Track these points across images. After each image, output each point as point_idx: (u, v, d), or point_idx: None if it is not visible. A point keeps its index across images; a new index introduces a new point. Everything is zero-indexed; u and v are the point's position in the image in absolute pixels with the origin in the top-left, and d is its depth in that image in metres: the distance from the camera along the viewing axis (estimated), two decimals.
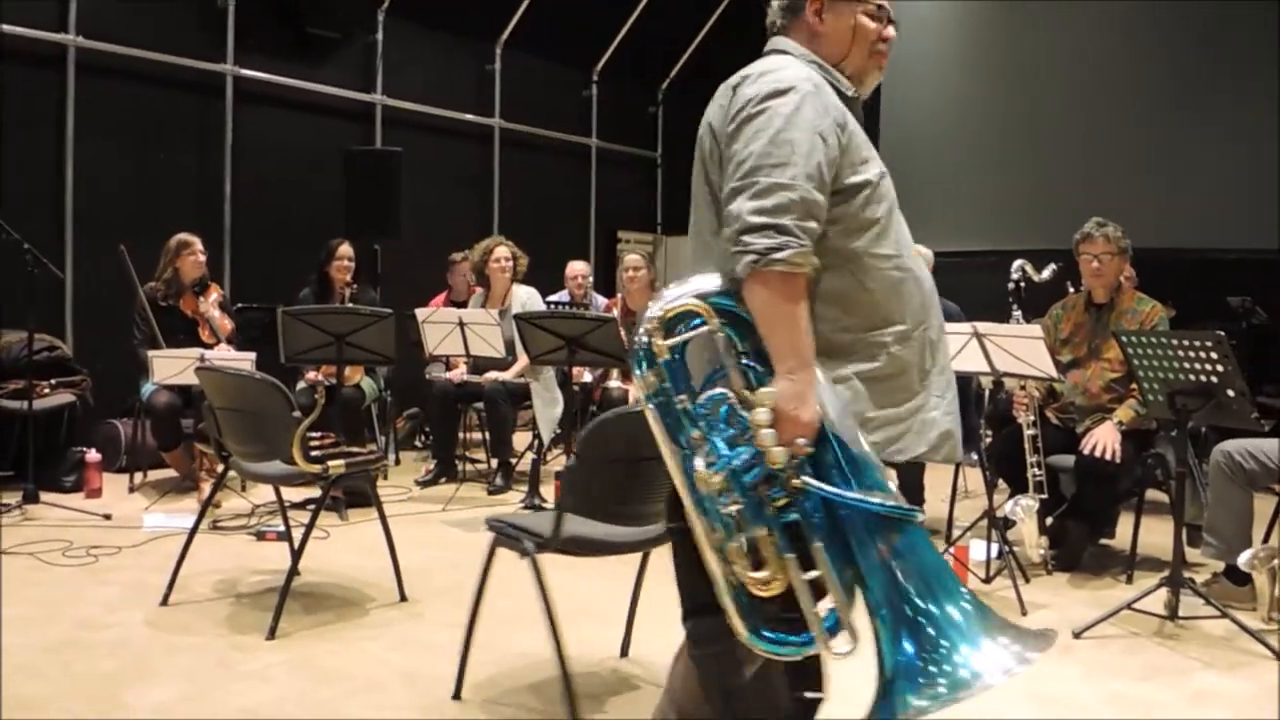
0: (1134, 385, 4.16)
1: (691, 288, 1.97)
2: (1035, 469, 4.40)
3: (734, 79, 2.11)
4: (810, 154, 1.95)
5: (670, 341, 1.95)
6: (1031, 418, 4.42)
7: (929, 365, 2.13)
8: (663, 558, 2.83)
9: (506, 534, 2.98)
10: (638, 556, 3.39)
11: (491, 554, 3.10)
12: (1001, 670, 1.75)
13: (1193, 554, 4.34)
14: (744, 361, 1.95)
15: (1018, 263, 4.53)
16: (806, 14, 2.16)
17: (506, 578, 4.41)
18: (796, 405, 1.89)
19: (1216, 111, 7.74)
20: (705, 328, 1.95)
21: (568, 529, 2.89)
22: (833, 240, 2.02)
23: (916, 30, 9.21)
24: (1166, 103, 8.00)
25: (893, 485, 1.90)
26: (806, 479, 1.88)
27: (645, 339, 1.95)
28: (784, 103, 1.98)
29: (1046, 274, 4.56)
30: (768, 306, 1.91)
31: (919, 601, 1.81)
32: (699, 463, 1.91)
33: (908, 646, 1.78)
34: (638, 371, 1.97)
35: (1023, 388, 4.45)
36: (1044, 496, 4.40)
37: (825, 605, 1.89)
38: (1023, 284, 4.51)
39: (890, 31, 2.18)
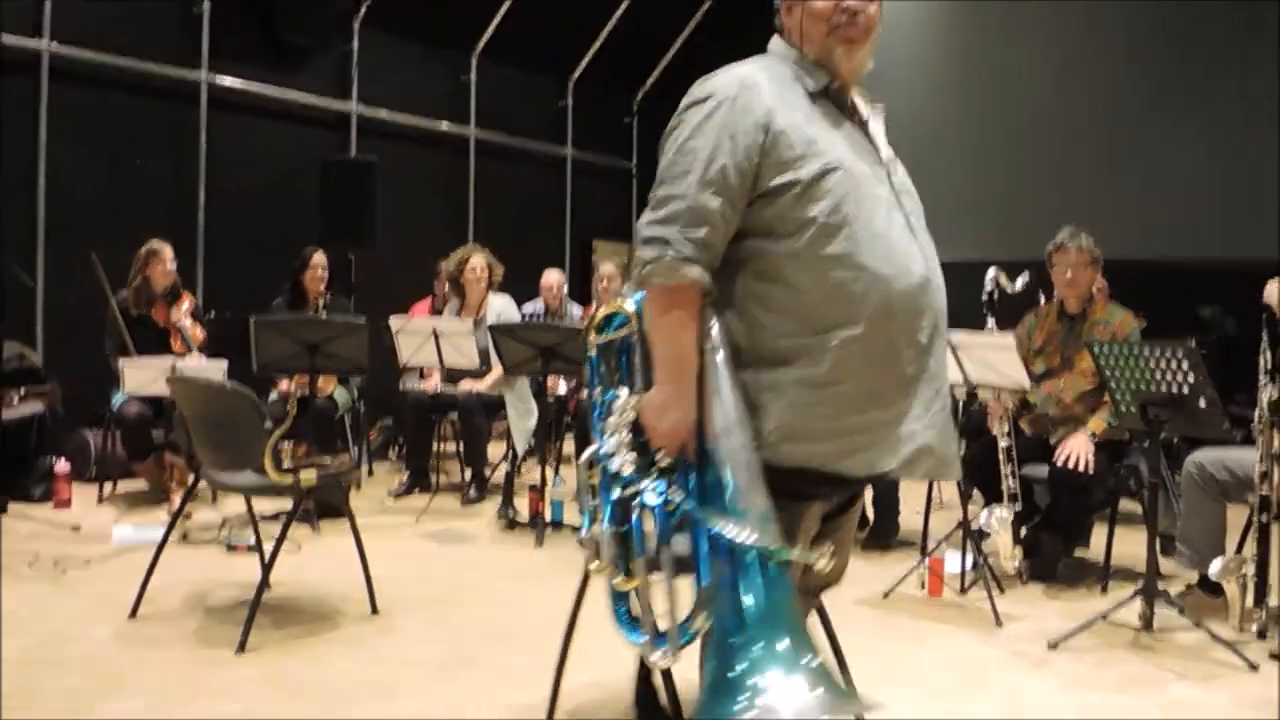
0: (1106, 396, 4.17)
1: (632, 293, 2.03)
2: (1010, 480, 4.40)
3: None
4: (712, 160, 1.96)
5: (595, 339, 2.07)
6: (1006, 428, 4.43)
7: (911, 371, 2.02)
8: None
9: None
10: None
11: (587, 576, 2.88)
12: (796, 708, 1.68)
13: (1167, 564, 4.35)
14: (646, 372, 2.01)
15: (991, 272, 4.54)
16: (783, 13, 2.17)
17: (473, 589, 4.39)
18: (656, 417, 1.95)
19: (1188, 121, 7.80)
20: (625, 331, 2.04)
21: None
22: (761, 243, 2.00)
23: (885, 36, 9.25)
24: (1138, 112, 8.05)
25: (753, 514, 1.85)
26: (665, 490, 1.93)
27: (587, 335, 2.11)
28: (697, 111, 2.02)
29: (1020, 284, 4.57)
30: (649, 316, 1.98)
31: (738, 630, 1.80)
32: (585, 454, 2.03)
33: (720, 665, 1.78)
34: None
35: (997, 398, 4.45)
36: (1018, 508, 4.40)
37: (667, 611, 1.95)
38: (996, 294, 4.52)
39: (851, 3, 2.09)
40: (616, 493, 2.01)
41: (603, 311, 2.13)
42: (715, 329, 1.99)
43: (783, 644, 1.74)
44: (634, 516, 1.99)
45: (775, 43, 2.18)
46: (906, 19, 9.28)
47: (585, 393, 6.08)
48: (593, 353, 2.07)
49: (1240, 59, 7.56)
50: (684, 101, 2.06)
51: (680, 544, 1.93)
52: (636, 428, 1.99)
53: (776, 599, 1.81)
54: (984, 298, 4.54)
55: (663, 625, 1.93)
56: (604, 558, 2.04)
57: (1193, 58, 7.82)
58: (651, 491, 1.95)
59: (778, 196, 1.98)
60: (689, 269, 1.94)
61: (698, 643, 1.88)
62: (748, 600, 1.81)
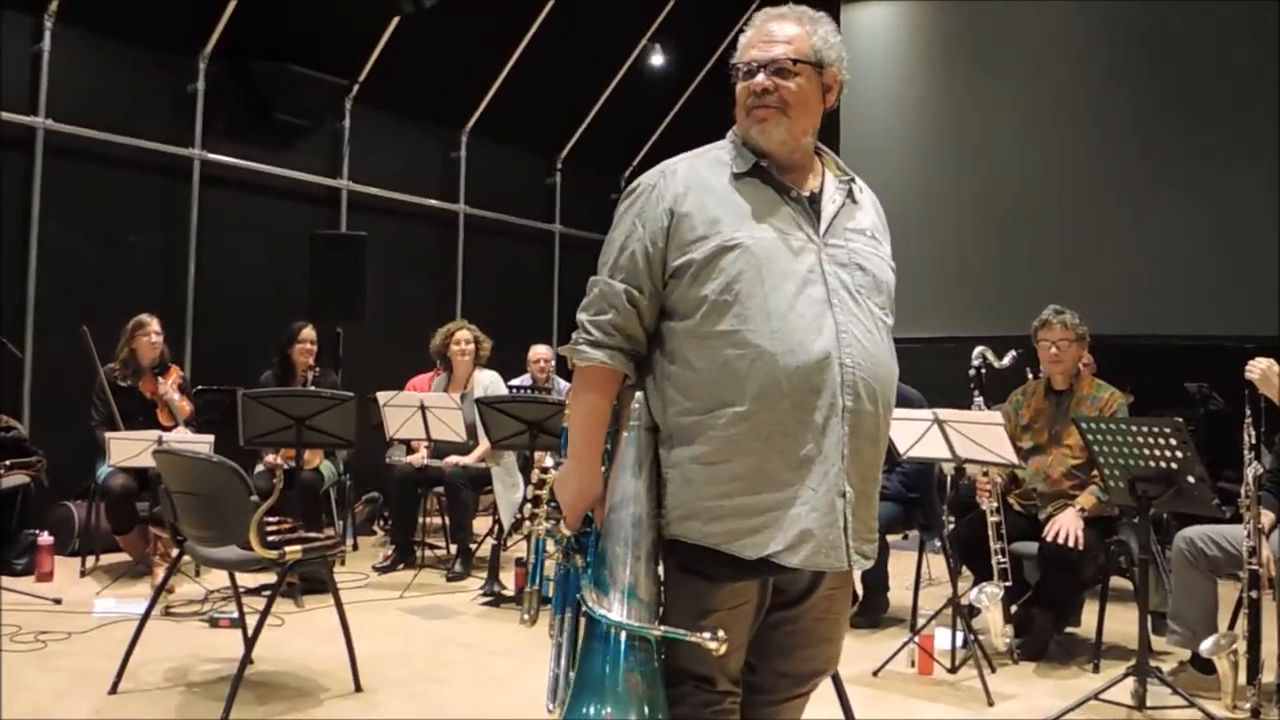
0: (1094, 471, 4.18)
1: None
2: (1000, 556, 4.39)
3: None
4: (624, 247, 2.08)
5: (567, 413, 2.17)
6: (995, 504, 4.42)
7: (806, 452, 1.96)
8: None
9: None
10: None
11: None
12: None
13: (1159, 642, 4.33)
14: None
15: (979, 349, 4.57)
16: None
17: (458, 666, 4.34)
18: (558, 488, 2.08)
19: (1173, 200, 7.93)
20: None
21: None
22: (668, 324, 2.07)
23: (872, 111, 9.42)
24: (1124, 191, 8.19)
25: (617, 587, 1.96)
26: (567, 556, 2.09)
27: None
28: (622, 203, 2.15)
29: (1007, 360, 4.60)
30: (570, 396, 2.15)
31: (578, 692, 1.94)
32: (526, 510, 2.16)
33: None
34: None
35: (985, 474, 4.46)
36: (1008, 584, 4.38)
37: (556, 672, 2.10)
38: (984, 370, 4.55)
39: (757, 80, 2.10)
40: (543, 554, 2.16)
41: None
42: (639, 406, 2.07)
43: (618, 709, 1.88)
44: (557, 576, 2.13)
45: (732, 129, 2.21)
46: (894, 95, 9.46)
47: None
48: (564, 424, 2.17)
49: (1225, 138, 7.71)
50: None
51: None
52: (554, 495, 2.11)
53: (621, 674, 1.90)
54: (971, 374, 4.57)
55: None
56: (525, 613, 2.20)
57: (1179, 138, 7.97)
58: (560, 555, 2.10)
59: (680, 277, 2.03)
60: (593, 352, 2.05)
61: None
62: (590, 666, 1.93)
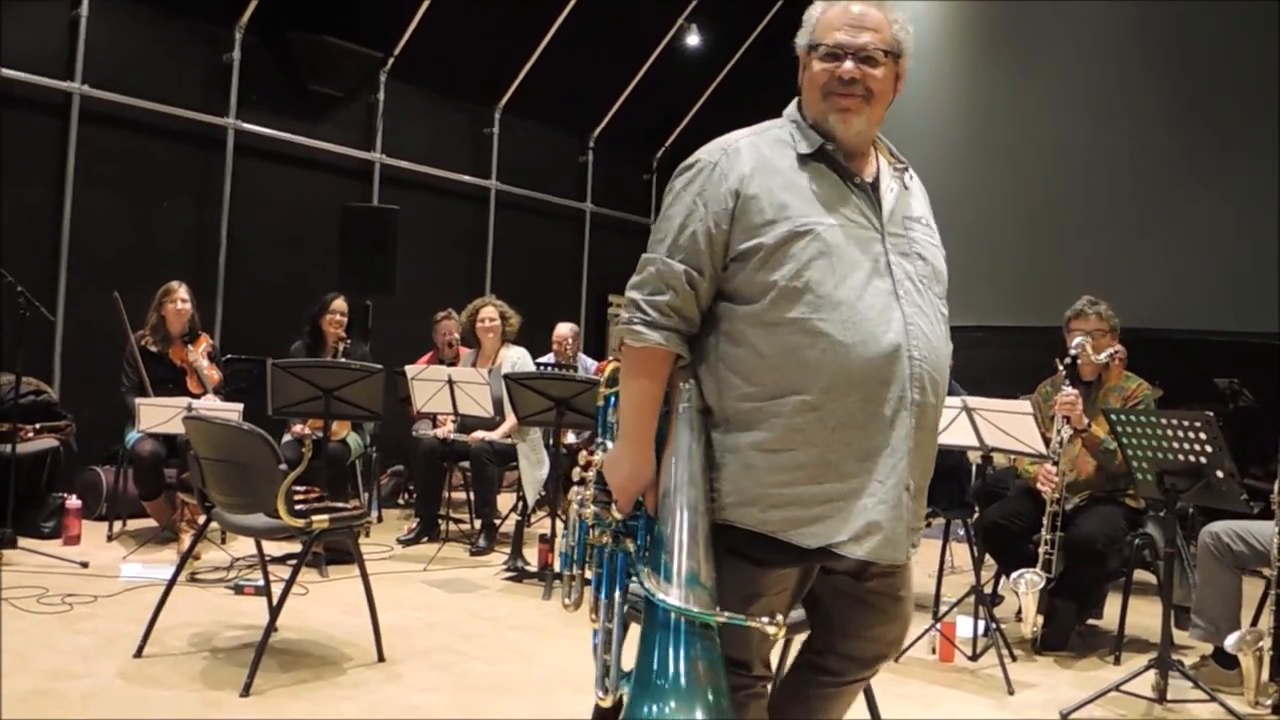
0: (1119, 461, 4.15)
1: None
2: (1048, 546, 4.35)
3: None
4: (684, 226, 2.01)
5: (604, 391, 2.18)
6: (1056, 495, 4.38)
7: (875, 443, 1.96)
8: None
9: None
10: None
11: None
12: None
13: (1181, 636, 4.30)
14: None
15: (1079, 340, 4.50)
16: (801, 65, 2.16)
17: (480, 639, 4.37)
18: (609, 470, 2.05)
19: (1208, 196, 7.84)
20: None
21: None
22: (730, 306, 2.01)
23: (905, 104, 9.34)
24: (1159, 185, 8.10)
25: (679, 573, 1.89)
26: (618, 541, 2.05)
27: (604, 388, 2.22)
28: (680, 179, 2.07)
29: (1104, 356, 4.53)
30: (621, 377, 2.07)
31: (647, 686, 1.86)
32: (573, 493, 2.12)
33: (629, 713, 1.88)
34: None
35: (1055, 463, 4.41)
36: (1051, 576, 4.33)
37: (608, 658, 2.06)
38: (1078, 361, 4.49)
39: (846, 67, 2.03)
40: (589, 536, 2.10)
41: (611, 366, 2.20)
42: (690, 387, 2.02)
43: (683, 708, 1.81)
44: (603, 561, 2.09)
45: (790, 106, 2.17)
46: (927, 88, 9.38)
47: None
48: (600, 403, 2.15)
49: (1262, 134, 7.60)
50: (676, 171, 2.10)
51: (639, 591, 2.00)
52: (603, 478, 2.07)
53: (689, 662, 1.84)
54: (1066, 362, 4.50)
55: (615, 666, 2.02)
56: (567, 596, 2.19)
57: (1215, 132, 7.87)
58: (609, 540, 2.06)
59: (745, 261, 1.98)
60: (650, 333, 1.99)
61: None
62: (663, 660, 1.85)
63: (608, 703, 1.99)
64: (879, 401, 1.95)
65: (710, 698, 1.82)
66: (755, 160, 2.02)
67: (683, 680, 1.83)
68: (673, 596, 1.86)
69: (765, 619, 1.88)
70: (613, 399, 2.17)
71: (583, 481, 2.10)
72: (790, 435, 1.94)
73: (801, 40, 2.12)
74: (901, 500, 1.99)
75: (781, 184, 2.00)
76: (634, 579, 2.01)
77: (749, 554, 1.97)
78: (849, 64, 2.03)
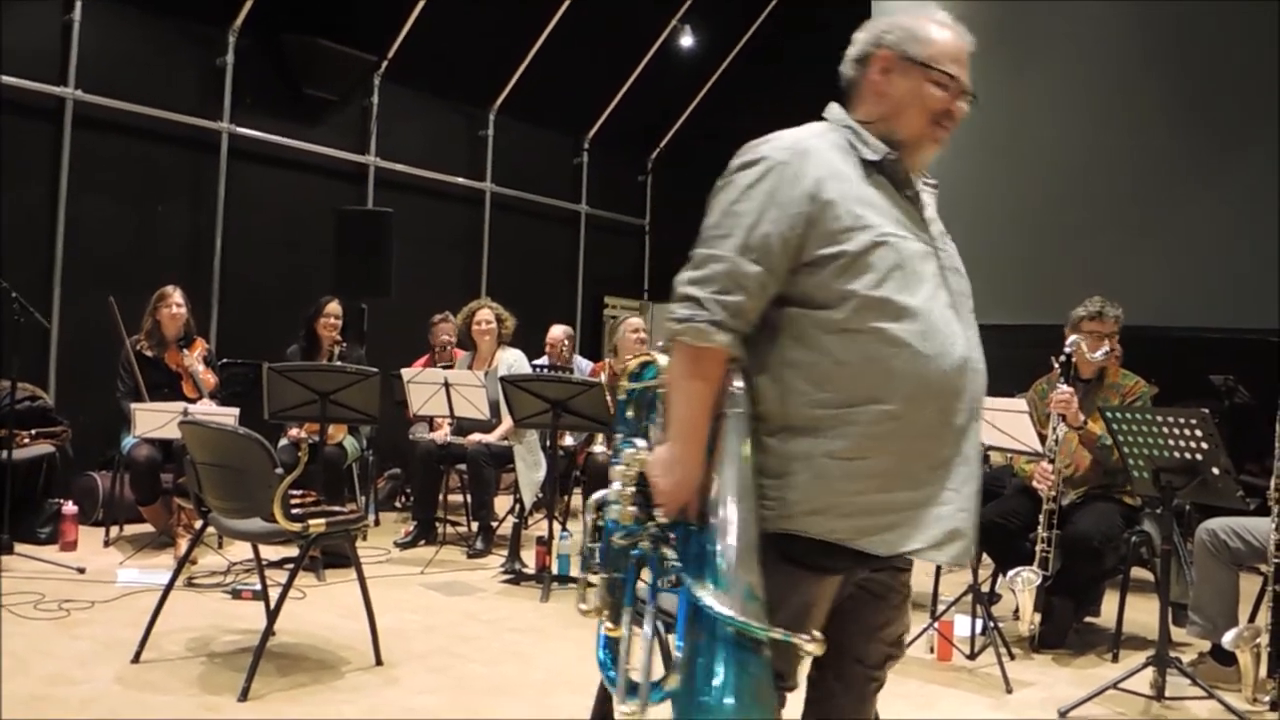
0: (1116, 458, 4.15)
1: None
2: (1044, 544, 4.36)
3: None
4: (756, 225, 1.93)
5: (627, 385, 2.08)
6: (1053, 493, 4.39)
7: (947, 453, 1.98)
8: None
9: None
10: None
11: None
12: None
13: (1178, 633, 4.31)
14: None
15: (1074, 338, 4.52)
16: (871, 70, 2.12)
17: (478, 642, 4.36)
18: (660, 473, 1.92)
19: (1203, 194, 7.84)
20: (654, 382, 2.04)
21: None
22: (801, 311, 1.96)
23: None
24: (1155, 184, 8.10)
25: (738, 587, 1.79)
26: (659, 547, 1.93)
27: (620, 381, 2.13)
28: (747, 174, 1.98)
29: (1099, 355, 4.56)
30: (672, 374, 1.96)
31: (699, 699, 1.79)
32: (595, 495, 2.04)
33: None
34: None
35: (1051, 461, 4.42)
36: (1048, 574, 4.34)
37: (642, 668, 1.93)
38: (1073, 359, 4.51)
39: (962, 106, 2.09)
40: (615, 539, 2.01)
41: (636, 360, 2.12)
42: (741, 393, 1.94)
43: None
44: (628, 566, 2.01)
45: (834, 109, 2.15)
46: None
47: (599, 445, 6.10)
48: (622, 397, 2.08)
49: (1259, 133, 7.61)
50: (734, 162, 2.02)
51: (669, 602, 1.91)
52: (643, 480, 1.97)
53: (748, 677, 1.78)
54: (1060, 360, 4.52)
55: (638, 678, 1.92)
56: (591, 601, 2.08)
57: (1214, 132, 7.87)
58: (648, 545, 1.96)
59: (821, 267, 1.94)
60: (718, 334, 1.90)
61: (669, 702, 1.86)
62: (719, 675, 1.78)
63: (638, 716, 1.90)
64: (953, 412, 1.98)
65: (769, 714, 1.81)
66: (825, 164, 1.99)
67: (746, 697, 1.77)
68: (732, 610, 1.78)
69: (805, 636, 1.84)
70: (642, 394, 2.08)
71: (624, 484, 1.99)
72: (867, 443, 1.92)
73: (911, 51, 2.08)
74: (974, 507, 2.03)
75: (853, 192, 1.99)
76: (662, 588, 1.94)
77: (808, 562, 1.94)
78: (963, 104, 2.10)
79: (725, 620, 1.77)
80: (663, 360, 2.02)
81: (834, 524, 1.92)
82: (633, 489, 1.96)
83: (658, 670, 1.89)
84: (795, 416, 1.94)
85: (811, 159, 1.98)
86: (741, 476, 1.88)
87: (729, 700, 1.76)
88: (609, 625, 2.05)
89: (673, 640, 1.89)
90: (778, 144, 2.01)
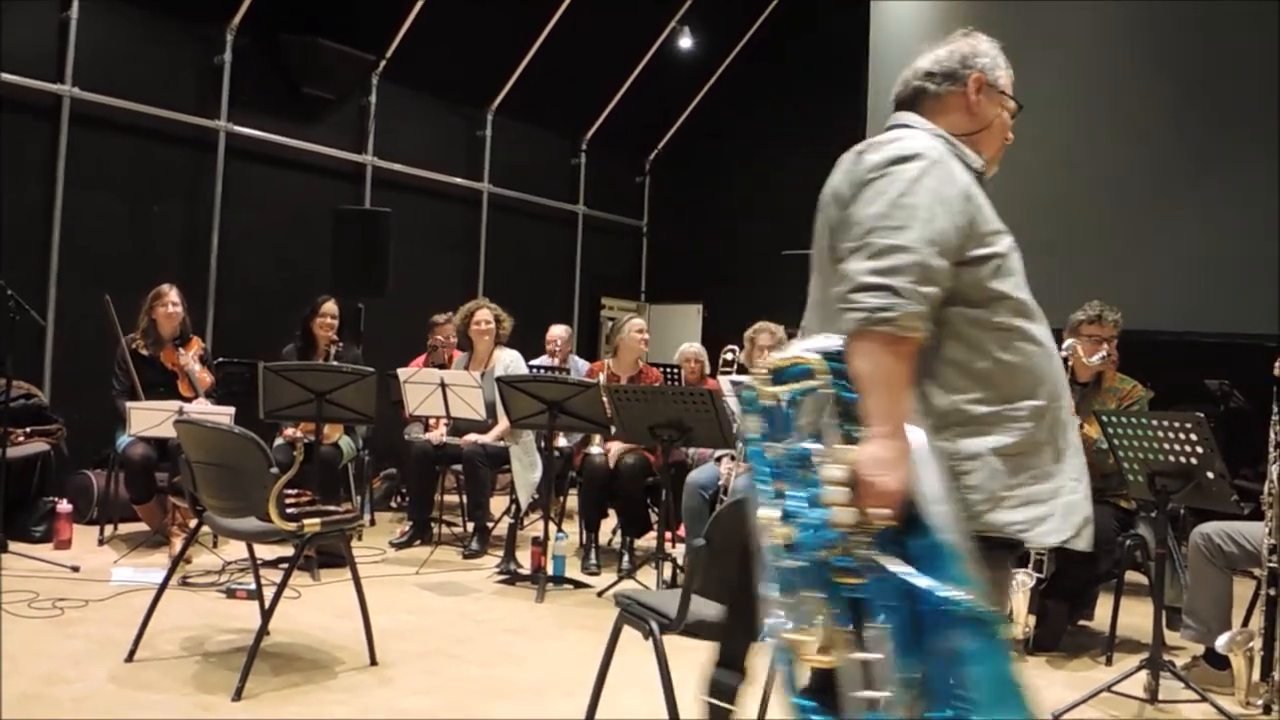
0: (1112, 461, 4.16)
1: (810, 344, 1.94)
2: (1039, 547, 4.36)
3: (860, 146, 2.08)
4: (931, 220, 1.92)
5: (775, 389, 1.89)
6: None
7: (1063, 445, 2.05)
8: None
9: (632, 612, 2.82)
10: None
11: (617, 631, 2.88)
12: None
13: (1172, 637, 4.31)
14: (844, 425, 1.87)
15: (1069, 342, 4.54)
16: (969, 88, 2.18)
17: (472, 643, 4.36)
18: (881, 471, 1.79)
19: (1196, 197, 7.85)
20: (813, 382, 1.89)
21: (695, 612, 2.71)
22: (960, 310, 1.98)
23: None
24: (1148, 186, 8.11)
25: (975, 584, 1.73)
26: (874, 554, 1.77)
27: (751, 385, 1.93)
28: (908, 168, 1.97)
29: (1097, 359, 4.57)
30: (869, 366, 1.85)
31: (979, 714, 1.69)
32: (767, 511, 1.85)
33: None
34: (741, 413, 1.99)
35: None
36: (1042, 576, 4.35)
37: (874, 695, 1.74)
38: (1069, 363, 4.51)
39: (1011, 136, 2.25)
40: (816, 554, 1.81)
41: (775, 361, 1.93)
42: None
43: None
44: (834, 584, 1.80)
45: (914, 118, 2.18)
46: None
47: (596, 446, 6.09)
48: (766, 403, 1.90)
49: (1253, 137, 7.62)
50: (882, 156, 2.00)
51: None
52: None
53: (1015, 674, 1.75)
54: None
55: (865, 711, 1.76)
56: (810, 626, 1.80)
57: (1208, 136, 7.88)
58: (864, 552, 1.78)
59: (977, 267, 1.99)
60: (920, 324, 1.87)
61: None
62: (1007, 675, 1.73)
63: None
64: (1066, 407, 2.09)
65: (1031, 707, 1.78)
66: (962, 168, 2.06)
67: (1024, 691, 1.74)
68: (990, 608, 1.73)
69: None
70: (841, 399, 1.89)
71: (841, 487, 1.83)
72: (1024, 438, 1.98)
73: (994, 76, 2.22)
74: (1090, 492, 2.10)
75: (984, 197, 2.07)
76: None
77: (994, 559, 1.95)
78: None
79: (986, 617, 1.71)
80: (815, 359, 1.89)
81: (1010, 518, 1.96)
82: (846, 491, 1.80)
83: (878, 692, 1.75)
84: (956, 414, 1.97)
85: (954, 161, 2.04)
86: (938, 474, 1.82)
87: (1023, 698, 1.74)
88: (822, 658, 1.80)
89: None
90: (926, 142, 2.04)
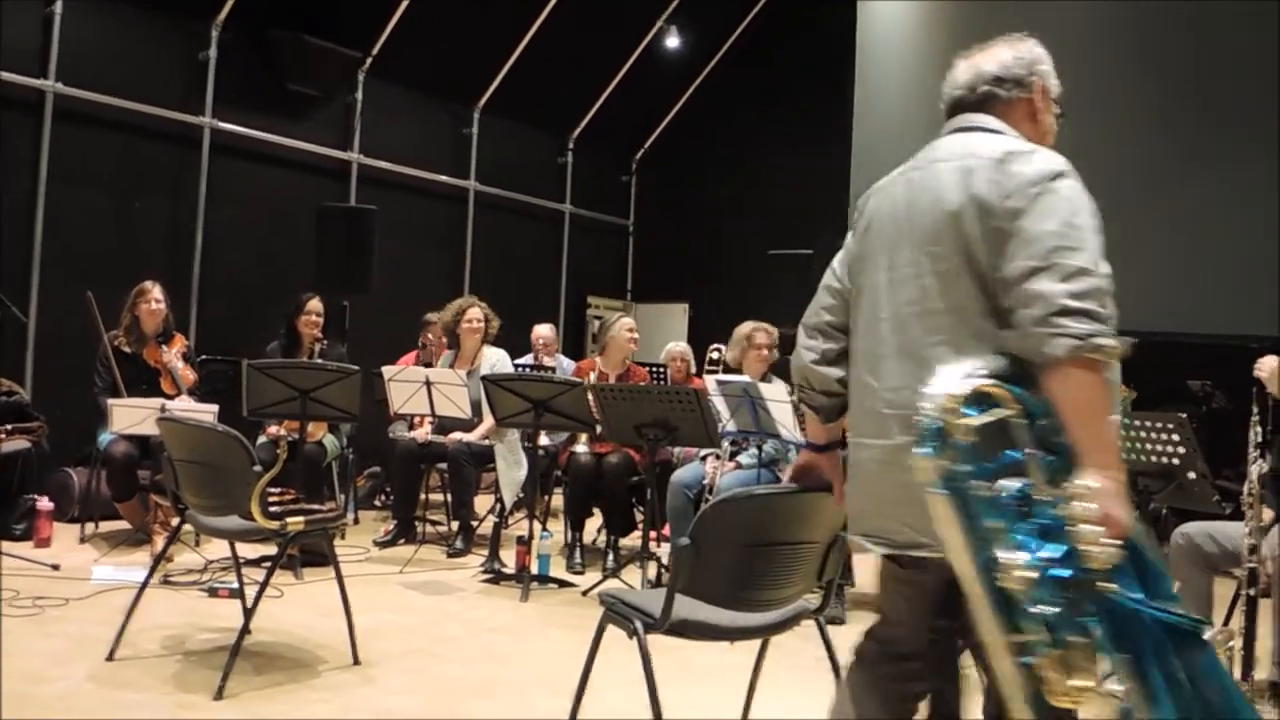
0: None
1: (974, 369, 1.86)
2: None
3: (994, 154, 2.03)
4: (1094, 240, 1.93)
5: (968, 423, 1.80)
6: None
7: None
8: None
9: (617, 611, 2.80)
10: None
11: (601, 630, 2.85)
12: None
13: None
14: (1047, 457, 1.82)
15: None
16: (1035, 95, 2.20)
17: (456, 642, 4.35)
18: (1113, 504, 1.76)
19: (1179, 198, 7.89)
20: (1004, 412, 1.82)
21: (680, 611, 2.69)
22: None
23: (886, 107, 9.37)
24: (1129, 188, 8.14)
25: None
26: (1111, 584, 1.74)
27: (938, 418, 1.80)
28: (1065, 185, 1.97)
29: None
30: (1083, 394, 1.81)
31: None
32: (1006, 555, 1.75)
33: None
34: (926, 452, 1.80)
35: None
36: None
37: None
38: None
39: None
40: (1065, 594, 1.75)
41: (963, 394, 1.83)
42: None
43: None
44: (1082, 619, 1.76)
45: (997, 122, 2.17)
46: (908, 91, 9.40)
47: (581, 445, 6.08)
48: (963, 440, 1.80)
49: (1240, 140, 7.65)
50: (1035, 170, 1.99)
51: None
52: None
53: (1229, 678, 1.80)
54: None
55: None
56: (1064, 662, 1.74)
57: (1192, 138, 7.91)
58: (1107, 581, 1.75)
59: None
60: (1119, 349, 1.85)
61: None
62: (1218, 686, 1.74)
63: None
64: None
65: None
66: None
67: (1241, 700, 1.77)
68: (1208, 626, 1.76)
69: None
70: (988, 427, 1.84)
71: (1049, 525, 1.79)
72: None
73: (1050, 83, 2.26)
74: None
75: None
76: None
77: None
78: None
79: (1194, 626, 1.72)
80: (1001, 389, 1.84)
81: None
82: (1097, 528, 1.75)
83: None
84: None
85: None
86: None
87: (1238, 701, 1.76)
88: (1076, 690, 1.75)
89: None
90: (1057, 157, 2.04)
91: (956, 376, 1.83)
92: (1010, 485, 1.79)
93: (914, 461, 1.80)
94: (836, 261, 2.39)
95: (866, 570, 5.55)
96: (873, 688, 2.24)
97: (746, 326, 5.92)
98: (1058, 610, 1.72)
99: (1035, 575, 1.72)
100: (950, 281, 2.02)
